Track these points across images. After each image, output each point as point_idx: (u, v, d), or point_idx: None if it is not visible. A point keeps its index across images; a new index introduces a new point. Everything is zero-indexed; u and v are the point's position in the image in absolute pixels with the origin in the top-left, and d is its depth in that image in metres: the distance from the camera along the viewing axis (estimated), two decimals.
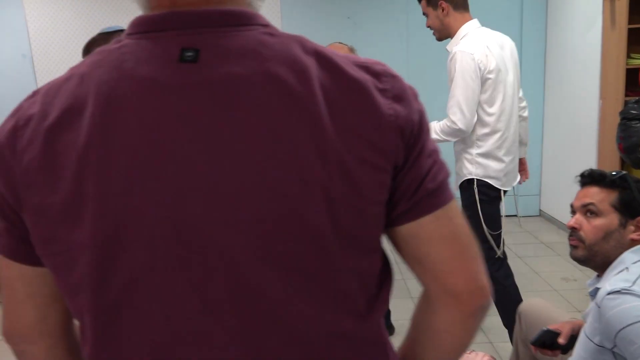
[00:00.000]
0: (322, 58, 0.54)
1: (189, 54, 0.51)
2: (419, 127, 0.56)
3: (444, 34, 2.33)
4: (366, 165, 0.51)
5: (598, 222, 1.40)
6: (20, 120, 0.54)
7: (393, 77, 0.56)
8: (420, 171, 0.56)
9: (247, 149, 0.49)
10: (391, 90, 0.55)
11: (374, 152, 0.52)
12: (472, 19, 2.28)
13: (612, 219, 1.39)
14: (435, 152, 0.59)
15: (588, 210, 1.41)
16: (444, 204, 0.58)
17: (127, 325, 0.54)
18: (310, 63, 0.53)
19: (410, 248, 0.59)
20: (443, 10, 2.25)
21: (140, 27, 0.54)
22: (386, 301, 0.61)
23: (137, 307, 0.53)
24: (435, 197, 0.57)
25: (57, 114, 0.52)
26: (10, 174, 0.53)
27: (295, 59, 0.52)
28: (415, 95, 0.57)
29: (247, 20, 0.54)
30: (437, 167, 0.58)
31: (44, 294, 0.61)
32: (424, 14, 2.35)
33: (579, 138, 3.87)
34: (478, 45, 2.18)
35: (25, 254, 0.58)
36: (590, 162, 3.58)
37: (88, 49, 1.73)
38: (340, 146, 0.50)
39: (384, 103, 0.53)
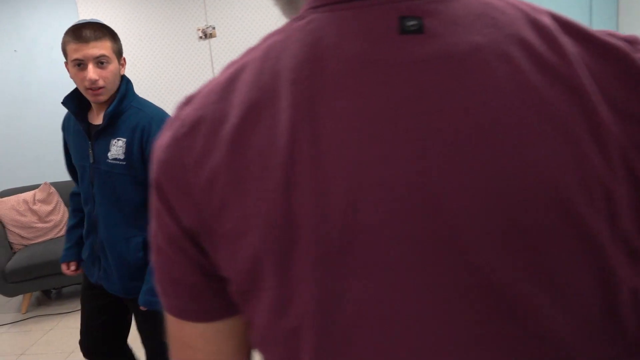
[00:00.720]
0: (562, 22, 0.44)
1: (412, 22, 0.42)
2: None
3: None
4: None
5: None
6: (182, 128, 0.45)
7: None
8: None
9: (510, 138, 0.39)
10: None
11: None
12: None
13: None
14: None
15: None
16: None
17: None
18: (555, 28, 0.42)
19: None
20: None
21: None
22: None
23: (367, 343, 0.42)
24: None
25: (240, 113, 0.42)
26: (188, 196, 0.44)
27: (537, 22, 0.42)
28: None
29: None
30: None
31: (227, 351, 0.51)
32: None
33: None
34: None
35: (199, 311, 0.49)
36: None
37: (75, 31, 1.70)
38: (617, 130, 0.40)
39: None
